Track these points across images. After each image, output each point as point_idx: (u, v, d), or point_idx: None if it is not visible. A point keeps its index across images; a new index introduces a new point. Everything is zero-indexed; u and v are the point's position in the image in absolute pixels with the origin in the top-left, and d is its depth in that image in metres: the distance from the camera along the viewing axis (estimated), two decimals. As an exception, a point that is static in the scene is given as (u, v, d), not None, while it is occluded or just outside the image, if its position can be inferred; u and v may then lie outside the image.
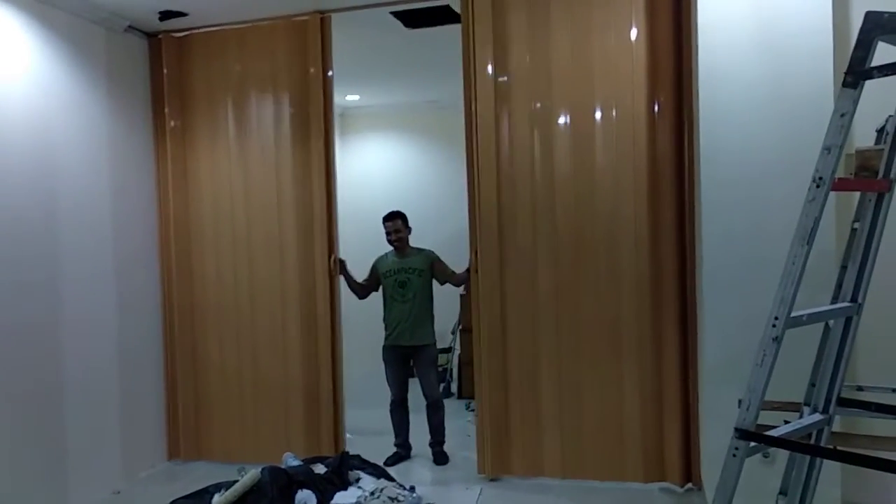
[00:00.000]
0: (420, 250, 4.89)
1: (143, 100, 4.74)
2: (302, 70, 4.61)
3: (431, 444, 4.84)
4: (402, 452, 4.85)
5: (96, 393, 4.27)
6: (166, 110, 4.77)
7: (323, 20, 4.54)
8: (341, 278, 4.78)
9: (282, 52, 4.64)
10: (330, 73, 4.60)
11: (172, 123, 4.78)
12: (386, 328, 4.88)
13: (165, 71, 4.75)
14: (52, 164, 3.99)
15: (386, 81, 6.78)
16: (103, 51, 4.40)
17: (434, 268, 4.81)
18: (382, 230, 7.29)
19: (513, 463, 4.34)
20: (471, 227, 4.36)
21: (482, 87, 4.22)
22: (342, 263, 4.73)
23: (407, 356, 4.84)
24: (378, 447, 4.82)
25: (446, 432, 4.92)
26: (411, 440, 4.94)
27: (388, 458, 4.70)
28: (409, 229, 4.87)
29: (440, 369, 6.97)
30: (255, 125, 4.74)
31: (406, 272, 4.76)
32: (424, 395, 4.84)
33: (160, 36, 4.76)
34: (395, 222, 4.81)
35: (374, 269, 4.94)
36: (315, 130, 4.59)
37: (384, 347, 4.89)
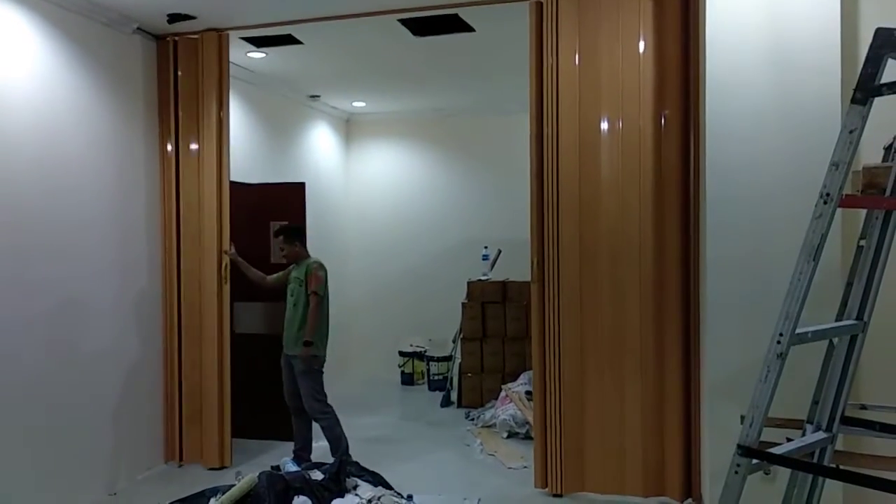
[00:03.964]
0: (307, 260, 4.75)
1: (150, 100, 4.76)
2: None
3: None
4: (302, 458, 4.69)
5: (94, 394, 4.25)
6: (173, 111, 4.78)
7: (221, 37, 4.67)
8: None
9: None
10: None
11: (179, 124, 4.79)
12: None
13: (173, 72, 4.77)
14: (59, 163, 3.99)
15: (392, 88, 6.80)
16: (111, 52, 4.41)
17: (307, 279, 4.65)
18: (387, 235, 7.29)
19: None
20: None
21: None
22: (232, 254, 4.75)
23: (289, 363, 4.72)
24: (375, 454, 4.80)
25: (444, 441, 4.80)
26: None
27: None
28: (295, 243, 4.74)
29: (440, 378, 6.97)
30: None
31: (294, 281, 4.71)
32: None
33: (168, 38, 4.78)
34: (277, 240, 4.76)
35: (286, 271, 4.85)
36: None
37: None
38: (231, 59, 5.50)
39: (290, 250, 4.74)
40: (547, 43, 4.12)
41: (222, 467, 4.70)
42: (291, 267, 4.80)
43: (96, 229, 4.30)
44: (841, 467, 2.36)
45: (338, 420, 4.65)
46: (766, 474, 2.95)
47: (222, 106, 4.73)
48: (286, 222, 4.96)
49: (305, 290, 4.63)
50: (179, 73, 4.78)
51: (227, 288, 4.73)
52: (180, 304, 4.80)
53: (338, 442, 4.62)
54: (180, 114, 4.78)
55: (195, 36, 4.74)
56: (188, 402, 4.80)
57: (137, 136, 4.65)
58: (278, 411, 4.91)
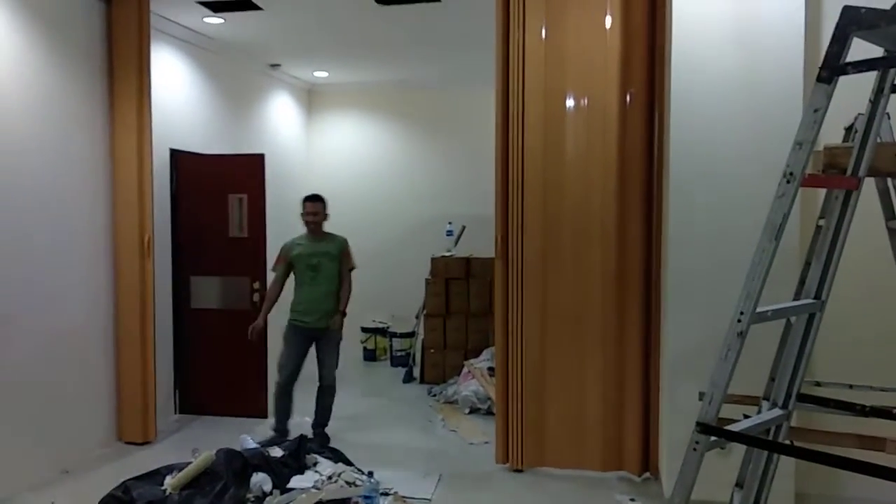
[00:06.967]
0: (334, 236, 4.78)
1: (100, 62, 4.53)
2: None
3: (314, 426, 4.74)
4: (278, 439, 4.64)
5: (47, 370, 4.11)
6: (108, 76, 4.57)
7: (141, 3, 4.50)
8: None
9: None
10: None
11: (114, 90, 4.60)
12: (292, 309, 4.74)
13: (108, 37, 4.55)
14: (4, 122, 3.79)
15: (356, 59, 6.64)
16: (60, 12, 4.19)
17: (342, 256, 4.72)
18: (350, 209, 7.17)
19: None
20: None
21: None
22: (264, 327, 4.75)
23: (310, 338, 4.72)
24: (336, 430, 4.77)
25: (406, 417, 4.84)
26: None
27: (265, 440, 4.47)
28: (327, 215, 4.74)
29: (402, 354, 6.95)
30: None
31: (318, 255, 4.66)
32: (321, 376, 4.74)
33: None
34: (317, 204, 4.69)
35: (282, 255, 4.75)
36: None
37: (288, 326, 4.75)
38: (187, 24, 5.33)
39: (322, 218, 4.69)
40: (514, 16, 4.04)
41: (145, 442, 4.62)
42: (290, 248, 4.69)
43: (49, 196, 4.11)
44: (796, 444, 2.39)
45: None
46: (722, 449, 2.99)
47: (143, 75, 4.53)
48: (244, 194, 4.83)
49: (338, 265, 4.68)
50: (113, 38, 4.58)
51: (148, 263, 4.60)
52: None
53: (329, 412, 4.76)
54: (114, 79, 4.60)
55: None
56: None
57: (84, 99, 4.43)
58: (237, 387, 4.84)
